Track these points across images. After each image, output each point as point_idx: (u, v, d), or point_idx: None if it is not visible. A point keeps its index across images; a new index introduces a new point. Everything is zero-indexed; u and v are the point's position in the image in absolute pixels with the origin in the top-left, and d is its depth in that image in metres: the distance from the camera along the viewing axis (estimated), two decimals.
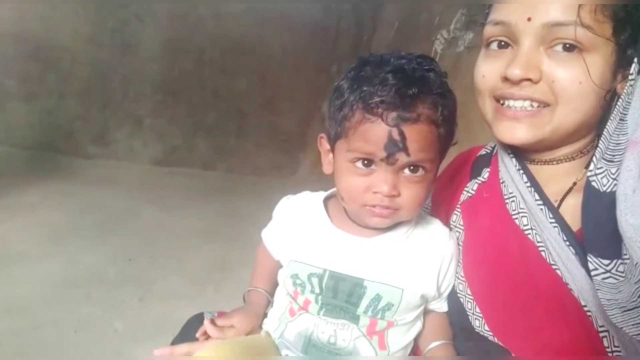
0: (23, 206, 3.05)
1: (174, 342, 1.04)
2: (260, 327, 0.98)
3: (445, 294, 0.92)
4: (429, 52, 3.32)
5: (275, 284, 1.02)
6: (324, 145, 0.86)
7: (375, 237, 0.86)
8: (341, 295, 0.85)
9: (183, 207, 3.48)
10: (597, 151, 0.74)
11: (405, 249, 0.86)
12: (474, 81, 0.85)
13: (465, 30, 3.02)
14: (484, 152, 1.02)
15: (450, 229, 0.95)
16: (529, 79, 0.75)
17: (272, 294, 1.03)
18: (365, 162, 0.76)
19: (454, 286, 0.91)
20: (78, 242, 2.71)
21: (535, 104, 0.77)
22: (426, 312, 0.93)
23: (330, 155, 0.84)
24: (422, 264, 0.87)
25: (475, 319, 0.86)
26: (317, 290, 0.87)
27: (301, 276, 0.88)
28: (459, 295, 0.90)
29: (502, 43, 0.79)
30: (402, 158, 0.74)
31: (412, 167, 0.76)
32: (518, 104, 0.78)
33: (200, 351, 0.87)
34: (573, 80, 0.73)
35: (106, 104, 4.29)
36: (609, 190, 0.70)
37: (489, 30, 0.80)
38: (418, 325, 0.91)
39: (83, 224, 2.95)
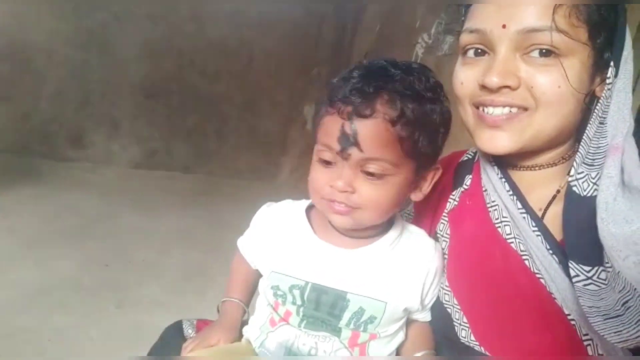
0: None
1: (152, 351, 1.02)
2: (240, 334, 0.96)
3: (429, 305, 0.91)
4: (410, 56, 3.33)
5: (251, 293, 1.01)
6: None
7: (359, 249, 0.84)
8: (323, 308, 0.83)
9: (162, 211, 3.43)
10: (577, 155, 0.74)
11: (390, 261, 0.85)
12: (454, 88, 0.84)
13: (445, 34, 3.04)
14: (466, 158, 1.01)
15: (437, 238, 0.94)
16: (507, 86, 0.74)
17: (247, 304, 1.01)
18: (327, 156, 0.78)
19: (439, 296, 0.90)
20: (53, 247, 2.64)
21: (514, 110, 0.76)
22: (409, 322, 0.92)
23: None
24: (407, 277, 0.85)
25: (462, 329, 0.85)
26: (299, 302, 0.85)
27: (282, 288, 0.86)
28: (445, 305, 0.89)
29: (479, 50, 0.79)
30: (355, 153, 0.74)
31: (370, 166, 0.75)
32: (497, 110, 0.77)
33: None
34: (552, 84, 0.72)
35: (83, 106, 4.20)
36: (589, 194, 0.70)
37: (465, 38, 0.80)
38: (400, 336, 0.90)
39: (58, 229, 2.88)
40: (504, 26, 0.73)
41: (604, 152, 0.70)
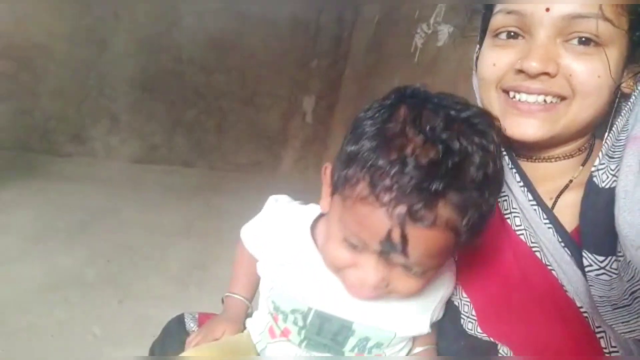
0: None
1: (155, 345, 1.02)
2: (244, 326, 0.96)
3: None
4: (409, 47, 3.32)
5: (255, 287, 0.98)
6: (327, 177, 0.71)
7: None
8: (326, 334, 0.78)
9: (163, 205, 3.42)
10: (603, 146, 0.72)
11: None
12: (480, 71, 0.81)
13: (444, 23, 3.03)
14: None
15: None
16: (546, 73, 0.71)
17: (251, 299, 0.99)
18: (357, 243, 0.64)
19: None
20: (54, 243, 2.63)
21: (550, 98, 0.73)
22: None
23: (329, 197, 0.71)
24: (418, 306, 0.79)
25: (469, 321, 0.84)
26: (300, 324, 0.79)
27: (283, 308, 0.80)
28: (452, 298, 0.88)
29: (512, 33, 0.75)
30: (398, 258, 0.62)
31: (414, 268, 0.64)
32: (532, 98, 0.74)
33: (183, 354, 0.84)
34: (592, 73, 0.70)
35: (82, 102, 4.20)
36: (607, 186, 0.69)
37: (500, 19, 0.76)
38: (408, 346, 0.86)
39: (60, 224, 2.87)
40: (547, 9, 0.70)
41: (623, 144, 0.68)
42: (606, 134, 0.73)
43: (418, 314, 0.80)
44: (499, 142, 0.63)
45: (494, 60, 0.78)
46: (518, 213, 0.80)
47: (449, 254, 0.65)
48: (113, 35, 4.10)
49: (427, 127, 0.59)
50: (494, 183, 0.61)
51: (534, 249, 0.78)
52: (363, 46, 4.20)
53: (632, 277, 0.62)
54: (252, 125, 4.68)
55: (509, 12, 0.74)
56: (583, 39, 0.70)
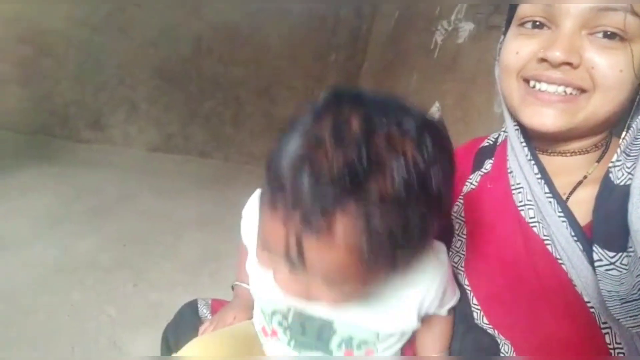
0: (15, 190, 3.02)
1: (168, 329, 1.04)
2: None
3: (446, 307, 0.82)
4: (429, 43, 3.29)
5: None
6: None
7: None
8: (310, 333, 0.76)
9: (178, 194, 3.46)
10: (621, 144, 0.72)
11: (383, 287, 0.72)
12: (502, 59, 0.81)
13: (465, 21, 3.00)
14: (487, 144, 1.00)
15: (452, 219, 0.93)
16: (569, 63, 0.71)
17: None
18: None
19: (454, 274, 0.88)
20: (71, 227, 2.68)
21: (570, 90, 0.73)
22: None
23: None
24: (401, 301, 0.74)
25: (474, 310, 0.85)
26: (284, 325, 0.78)
27: (265, 309, 0.80)
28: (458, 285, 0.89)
29: (537, 23, 0.75)
30: (302, 270, 0.56)
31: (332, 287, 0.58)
32: (552, 88, 0.74)
33: (187, 346, 0.84)
34: (614, 67, 0.70)
35: (101, 89, 4.24)
36: (622, 183, 0.69)
37: (526, 8, 0.76)
38: (405, 338, 0.82)
39: (76, 209, 2.92)
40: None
41: None
42: (624, 132, 0.73)
43: (401, 310, 0.74)
44: (436, 157, 0.54)
45: (517, 48, 0.78)
46: (532, 205, 0.80)
47: (363, 270, 0.55)
48: (133, 24, 4.13)
49: (339, 131, 0.52)
50: (419, 201, 0.53)
51: (545, 242, 0.78)
52: (382, 41, 4.17)
53: None
54: (268, 118, 4.69)
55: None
56: (609, 32, 0.69)
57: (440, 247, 0.80)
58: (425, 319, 0.81)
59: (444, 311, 0.82)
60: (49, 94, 4.13)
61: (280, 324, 0.79)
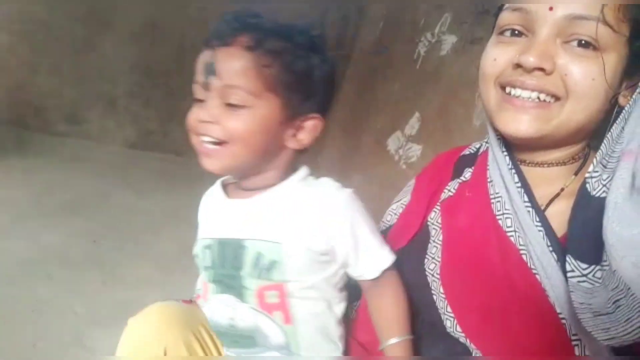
0: None
1: None
2: None
3: (361, 260, 0.87)
4: (412, 53, 3.33)
5: None
6: None
7: (254, 197, 0.87)
8: (227, 263, 0.86)
9: (154, 191, 3.40)
10: (598, 153, 0.73)
11: (284, 205, 0.85)
12: (481, 66, 0.83)
13: (449, 34, 3.05)
14: (468, 152, 1.01)
15: (427, 227, 0.94)
16: (542, 69, 0.73)
17: None
18: (198, 93, 0.81)
19: (428, 282, 0.89)
20: (42, 221, 2.61)
21: (543, 96, 0.75)
22: (366, 290, 0.91)
23: None
24: (301, 217, 0.84)
25: (447, 319, 0.85)
26: (209, 263, 0.89)
27: (198, 252, 0.92)
28: (432, 292, 0.89)
29: (516, 32, 0.77)
30: (215, 82, 0.78)
31: (230, 97, 0.78)
32: (526, 94, 0.75)
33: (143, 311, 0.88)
34: (587, 75, 0.72)
35: (80, 82, 4.16)
36: (597, 195, 0.70)
37: (506, 16, 0.79)
38: (336, 298, 0.90)
39: (47, 203, 2.85)
40: (550, 8, 0.72)
41: (618, 157, 0.70)
42: (602, 144, 0.74)
43: (303, 225, 0.83)
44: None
45: (495, 55, 0.80)
46: (510, 214, 0.81)
47: (258, 80, 0.78)
48: (117, 17, 4.07)
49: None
50: (295, 36, 0.83)
51: (521, 251, 0.78)
52: (366, 48, 4.20)
53: (616, 287, 0.63)
54: None
55: (515, 10, 0.77)
56: (582, 41, 0.71)
57: (351, 198, 0.87)
58: (363, 280, 0.88)
59: (372, 266, 0.87)
60: (24, 83, 4.03)
61: (206, 268, 0.90)
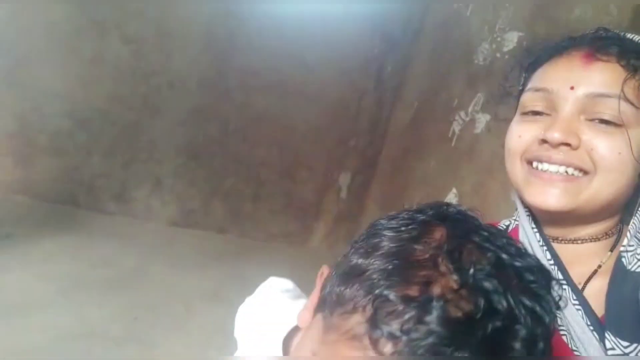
0: (37, 256, 3.07)
1: None
2: None
3: None
4: (447, 131, 3.40)
5: None
6: (319, 285, 0.57)
7: None
8: None
9: (192, 268, 3.46)
10: (631, 226, 0.73)
11: None
12: (507, 143, 0.84)
13: (482, 112, 3.12)
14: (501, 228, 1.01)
15: None
16: (567, 144, 0.74)
17: None
18: None
19: None
20: (85, 295, 2.69)
21: (571, 170, 0.75)
22: None
23: (313, 311, 0.55)
24: None
25: None
26: None
27: None
28: None
29: (539, 112, 0.79)
30: None
31: None
32: (554, 168, 0.76)
33: None
34: (613, 149, 0.72)
35: (130, 163, 4.41)
36: (633, 269, 0.69)
37: (529, 96, 0.81)
38: None
39: (93, 279, 2.94)
40: (572, 88, 0.74)
41: None
42: (633, 217, 0.74)
43: None
44: (555, 314, 0.47)
45: (520, 132, 0.81)
46: None
47: None
48: (166, 103, 4.38)
49: (468, 267, 0.43)
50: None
51: (561, 332, 0.76)
52: (401, 128, 4.32)
53: None
54: (288, 197, 4.77)
55: (537, 90, 0.79)
56: (605, 119, 0.72)
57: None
58: None
59: None
60: (79, 165, 4.30)
61: None
